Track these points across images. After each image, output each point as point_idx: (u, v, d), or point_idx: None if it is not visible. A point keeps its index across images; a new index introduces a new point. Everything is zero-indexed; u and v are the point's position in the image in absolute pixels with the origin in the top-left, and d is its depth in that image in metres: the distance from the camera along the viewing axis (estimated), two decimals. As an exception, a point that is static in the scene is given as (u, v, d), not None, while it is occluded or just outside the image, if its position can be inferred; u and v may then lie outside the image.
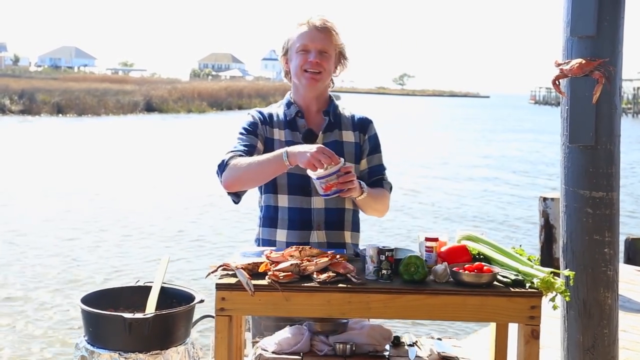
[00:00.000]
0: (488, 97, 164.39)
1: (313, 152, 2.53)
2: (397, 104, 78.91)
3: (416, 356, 2.59)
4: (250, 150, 2.81)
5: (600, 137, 3.15)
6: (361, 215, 3.00)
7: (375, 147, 2.95)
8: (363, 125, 2.95)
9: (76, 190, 14.99)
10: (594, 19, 3.10)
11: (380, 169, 2.95)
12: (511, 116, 62.33)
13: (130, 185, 15.90)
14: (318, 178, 2.56)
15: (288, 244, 2.74)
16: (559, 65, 3.21)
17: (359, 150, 2.90)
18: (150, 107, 44.46)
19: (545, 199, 7.76)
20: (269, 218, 2.89)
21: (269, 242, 2.86)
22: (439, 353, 2.62)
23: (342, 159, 2.57)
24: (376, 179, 2.91)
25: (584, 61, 3.11)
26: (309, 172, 2.58)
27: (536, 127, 43.07)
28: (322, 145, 2.59)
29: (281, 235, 2.85)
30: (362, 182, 2.74)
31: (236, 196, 2.86)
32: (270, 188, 2.87)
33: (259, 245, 2.90)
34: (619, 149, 3.20)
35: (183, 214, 12.93)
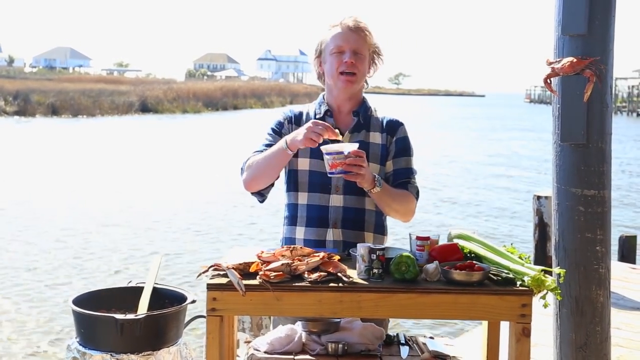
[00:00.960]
0: (483, 96, 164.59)
1: (307, 128, 2.61)
2: (393, 103, 78.94)
3: (408, 355, 2.59)
4: None
5: (591, 135, 3.15)
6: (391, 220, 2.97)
7: (402, 149, 2.91)
8: (392, 128, 2.92)
9: (72, 190, 14.97)
10: (585, 18, 3.10)
11: (408, 172, 2.89)
12: (508, 115, 62.36)
13: (127, 186, 15.87)
14: (327, 153, 2.57)
15: (306, 242, 2.78)
16: (550, 63, 3.21)
17: (385, 152, 2.88)
18: (145, 108, 44.42)
19: (539, 197, 7.75)
20: (291, 216, 2.91)
21: (290, 240, 2.87)
22: (431, 352, 2.62)
23: (356, 144, 2.60)
24: (401, 181, 2.86)
25: (575, 60, 3.11)
26: (322, 148, 2.59)
27: (536, 126, 43.04)
28: (314, 120, 2.64)
29: (300, 232, 2.86)
30: (377, 176, 2.72)
31: (259, 195, 2.91)
32: (293, 186, 2.89)
33: (282, 244, 2.90)
34: (611, 147, 3.21)
35: (179, 214, 12.92)
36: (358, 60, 2.83)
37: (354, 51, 2.81)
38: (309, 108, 2.98)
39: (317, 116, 2.90)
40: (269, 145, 2.86)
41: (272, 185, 2.90)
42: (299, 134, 2.65)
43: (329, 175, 2.64)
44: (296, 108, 3.00)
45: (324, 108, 2.92)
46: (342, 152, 2.55)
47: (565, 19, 3.15)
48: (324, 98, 2.96)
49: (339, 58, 2.82)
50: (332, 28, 2.87)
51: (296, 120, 2.93)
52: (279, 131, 2.91)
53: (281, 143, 2.73)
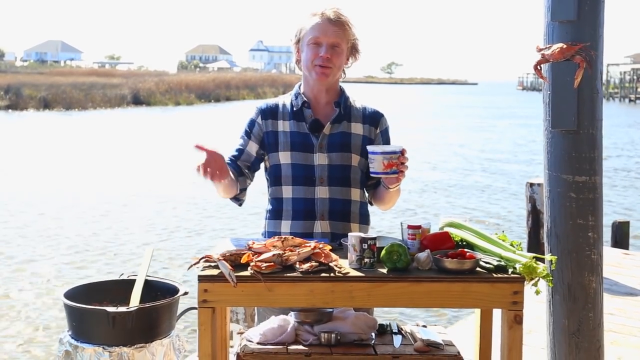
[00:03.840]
0: (476, 84, 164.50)
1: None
2: (386, 92, 78.89)
3: (401, 344, 2.59)
4: (238, 156, 2.86)
5: (582, 122, 3.14)
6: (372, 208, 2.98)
7: (387, 141, 2.93)
8: (374, 119, 2.92)
9: (65, 183, 14.93)
10: (574, 4, 3.09)
11: None
12: (502, 102, 62.34)
13: (120, 178, 15.83)
14: (383, 152, 2.53)
15: (292, 235, 2.74)
16: (540, 50, 3.20)
17: (368, 143, 2.85)
18: (137, 100, 44.25)
19: (532, 185, 7.77)
20: (275, 210, 2.88)
21: (275, 234, 2.82)
22: (424, 340, 2.61)
23: (400, 145, 2.57)
24: None
25: (564, 46, 3.10)
26: (370, 148, 2.56)
27: (529, 113, 42.96)
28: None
29: (285, 226, 2.84)
30: None
31: (236, 200, 2.89)
32: (275, 181, 2.87)
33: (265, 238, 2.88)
34: (601, 133, 3.21)
35: (171, 206, 12.90)
36: (334, 54, 2.79)
37: (332, 44, 2.77)
38: (285, 99, 2.94)
39: (295, 108, 2.87)
40: (238, 150, 2.87)
41: (245, 190, 2.89)
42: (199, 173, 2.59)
43: (375, 175, 2.58)
44: (271, 101, 2.95)
45: (301, 99, 2.88)
46: (397, 152, 2.53)
47: (554, 5, 3.14)
48: (300, 88, 2.92)
49: (315, 50, 2.78)
50: (313, 17, 2.81)
51: (272, 114, 2.89)
52: (249, 132, 2.89)
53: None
